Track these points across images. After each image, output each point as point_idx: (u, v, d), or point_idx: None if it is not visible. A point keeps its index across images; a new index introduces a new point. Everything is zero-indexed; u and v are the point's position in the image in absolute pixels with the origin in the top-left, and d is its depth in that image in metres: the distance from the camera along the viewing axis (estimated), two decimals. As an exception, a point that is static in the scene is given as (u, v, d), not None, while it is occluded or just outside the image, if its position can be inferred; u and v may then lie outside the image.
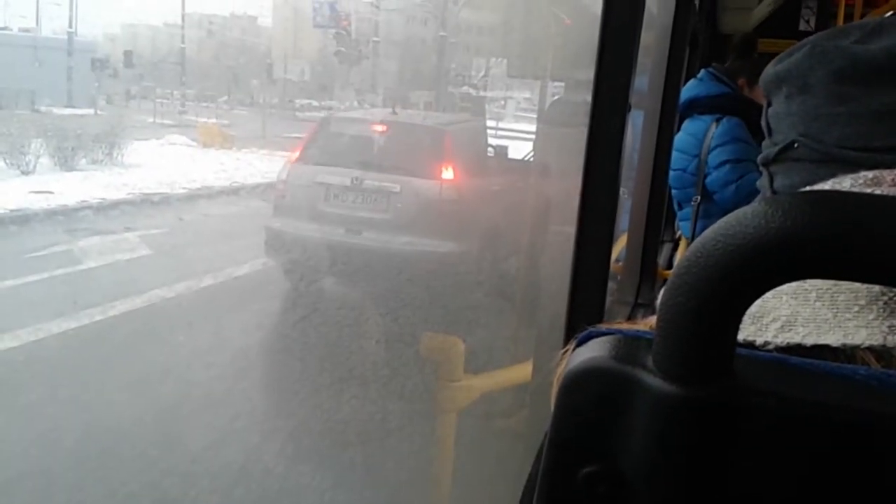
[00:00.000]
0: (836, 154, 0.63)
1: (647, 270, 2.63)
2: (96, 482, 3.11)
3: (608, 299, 1.90)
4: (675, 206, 3.14)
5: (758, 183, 0.74)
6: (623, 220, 2.71)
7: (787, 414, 0.43)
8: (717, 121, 2.90)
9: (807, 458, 0.43)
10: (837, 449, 0.42)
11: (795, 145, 0.66)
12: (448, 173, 6.96)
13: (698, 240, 0.42)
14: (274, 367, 5.15)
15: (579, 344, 0.51)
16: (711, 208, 2.92)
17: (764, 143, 0.72)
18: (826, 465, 0.42)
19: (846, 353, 0.52)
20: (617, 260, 2.85)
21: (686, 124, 3.02)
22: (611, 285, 2.29)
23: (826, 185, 0.62)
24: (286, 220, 7.02)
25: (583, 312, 1.49)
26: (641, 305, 2.53)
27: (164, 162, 11.40)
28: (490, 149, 8.30)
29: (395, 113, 9.10)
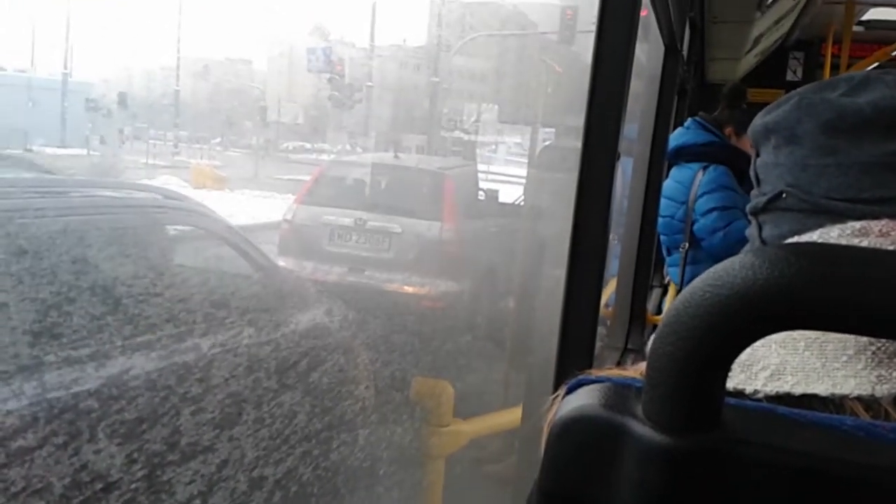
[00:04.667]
0: (824, 205, 0.63)
1: (636, 315, 2.64)
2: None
3: (598, 344, 1.90)
4: (664, 252, 3.15)
5: (747, 232, 0.74)
6: (612, 265, 2.73)
7: (774, 464, 0.42)
8: (704, 168, 2.93)
9: None
10: (823, 500, 0.42)
11: (784, 195, 0.67)
12: (448, 215, 7.07)
13: (686, 289, 0.42)
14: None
15: (569, 391, 0.50)
16: (699, 255, 2.94)
17: (753, 193, 0.73)
18: None
19: (835, 403, 0.52)
20: (606, 305, 2.85)
21: (673, 171, 3.05)
22: (600, 330, 2.30)
23: (814, 235, 0.62)
24: (291, 259, 7.07)
25: (572, 357, 1.48)
26: (631, 350, 2.53)
27: (155, 202, 11.34)
28: (480, 192, 8.37)
29: (397, 157, 9.26)
